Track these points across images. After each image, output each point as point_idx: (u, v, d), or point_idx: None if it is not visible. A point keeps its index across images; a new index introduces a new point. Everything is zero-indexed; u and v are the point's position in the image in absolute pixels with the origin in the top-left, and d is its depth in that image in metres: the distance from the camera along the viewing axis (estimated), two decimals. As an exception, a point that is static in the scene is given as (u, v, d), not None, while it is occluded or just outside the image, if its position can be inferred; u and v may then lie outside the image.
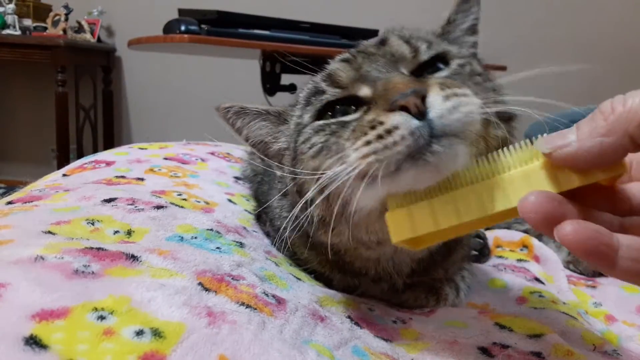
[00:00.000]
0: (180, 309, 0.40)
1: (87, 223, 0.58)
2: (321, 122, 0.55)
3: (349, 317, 0.57)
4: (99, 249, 0.49)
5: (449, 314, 0.63)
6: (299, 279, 0.63)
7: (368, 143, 0.46)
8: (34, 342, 0.34)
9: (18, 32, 3.16)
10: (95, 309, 0.38)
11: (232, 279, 0.51)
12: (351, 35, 2.38)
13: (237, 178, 1.00)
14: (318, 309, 0.55)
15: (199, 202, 0.76)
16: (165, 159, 0.98)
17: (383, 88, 0.50)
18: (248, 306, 0.45)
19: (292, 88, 2.29)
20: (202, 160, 1.04)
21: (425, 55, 0.57)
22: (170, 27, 1.94)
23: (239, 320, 0.42)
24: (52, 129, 3.10)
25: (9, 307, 0.37)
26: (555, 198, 0.37)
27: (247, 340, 0.40)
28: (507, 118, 0.56)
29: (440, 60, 0.58)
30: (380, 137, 0.46)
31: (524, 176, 0.40)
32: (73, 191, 0.72)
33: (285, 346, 0.42)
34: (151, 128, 3.64)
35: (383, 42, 0.60)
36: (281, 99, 2.16)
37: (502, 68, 2.60)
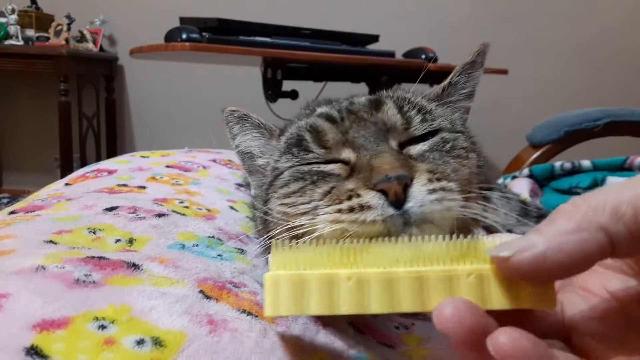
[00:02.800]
0: (181, 318, 0.40)
1: (89, 232, 0.58)
2: (302, 167, 0.56)
3: (351, 323, 0.56)
4: (100, 257, 0.49)
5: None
6: (301, 286, 0.63)
7: (339, 211, 0.47)
8: (34, 352, 0.34)
9: (21, 43, 3.18)
10: (96, 319, 0.38)
11: (234, 286, 0.51)
12: (352, 41, 2.39)
13: (239, 185, 1.00)
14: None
15: (200, 209, 0.76)
16: (167, 166, 0.98)
17: (368, 161, 0.50)
18: (249, 313, 0.45)
19: (293, 94, 2.30)
20: (204, 167, 1.04)
21: (418, 130, 0.57)
22: (171, 36, 1.96)
23: (240, 328, 0.42)
24: (55, 139, 3.11)
25: (10, 317, 0.37)
26: (476, 308, 0.31)
27: (249, 348, 0.40)
28: (487, 187, 0.57)
29: (431, 134, 0.58)
30: (352, 209, 0.46)
31: (448, 278, 0.34)
32: (75, 200, 0.72)
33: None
34: (154, 136, 3.65)
35: (377, 107, 0.59)
36: (282, 105, 2.17)
37: (504, 71, 2.61)
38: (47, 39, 3.28)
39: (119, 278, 0.45)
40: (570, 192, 1.20)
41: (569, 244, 0.30)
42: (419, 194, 0.46)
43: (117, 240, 0.57)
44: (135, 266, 0.48)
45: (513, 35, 3.26)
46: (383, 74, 2.39)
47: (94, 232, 0.58)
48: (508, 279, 0.33)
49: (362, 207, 0.46)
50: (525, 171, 1.30)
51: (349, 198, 0.47)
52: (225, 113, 0.68)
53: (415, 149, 0.55)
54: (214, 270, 0.53)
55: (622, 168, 1.23)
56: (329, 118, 0.59)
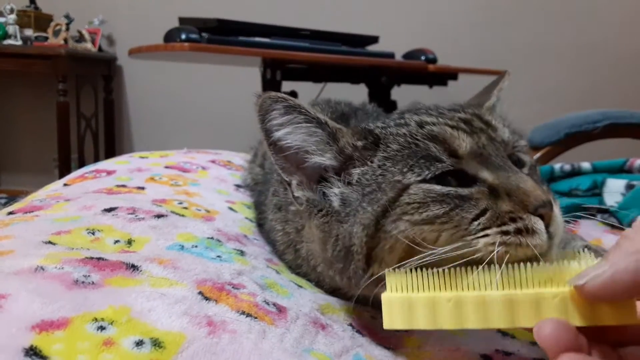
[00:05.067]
0: (180, 319, 0.40)
1: (88, 233, 0.58)
2: (439, 188, 0.52)
3: (350, 325, 0.56)
4: (99, 258, 0.49)
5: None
6: (301, 287, 0.63)
7: (506, 233, 0.47)
8: (34, 353, 0.34)
9: (19, 42, 3.17)
10: (95, 320, 0.38)
11: (233, 287, 0.51)
12: (351, 42, 2.39)
13: (238, 186, 1.00)
14: (319, 316, 0.55)
15: (199, 210, 0.76)
16: (166, 167, 0.98)
17: (517, 185, 0.50)
18: (248, 315, 0.45)
19: (292, 95, 2.29)
20: (203, 168, 1.04)
21: (517, 147, 0.58)
22: (170, 36, 1.95)
23: (239, 329, 0.42)
24: (54, 139, 3.11)
25: (9, 318, 0.37)
26: (572, 329, 0.37)
27: (248, 349, 0.40)
28: None
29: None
30: (519, 231, 0.47)
31: (536, 300, 0.39)
32: (73, 201, 0.72)
33: (285, 355, 0.41)
34: (153, 136, 3.65)
35: (490, 125, 0.58)
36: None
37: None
38: (46, 38, 3.27)
39: (118, 279, 0.45)
40: (570, 194, 1.20)
41: (632, 265, 0.34)
42: (559, 218, 0.50)
43: (116, 241, 0.57)
44: (134, 267, 0.48)
45: (513, 37, 3.26)
46: (382, 75, 2.39)
47: (93, 233, 0.58)
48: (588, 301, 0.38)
49: (528, 231, 0.47)
50: (525, 173, 1.29)
51: (513, 220, 0.48)
52: (263, 99, 0.55)
53: (525, 173, 0.55)
54: (213, 272, 0.53)
55: (622, 170, 1.23)
56: (461, 128, 0.56)
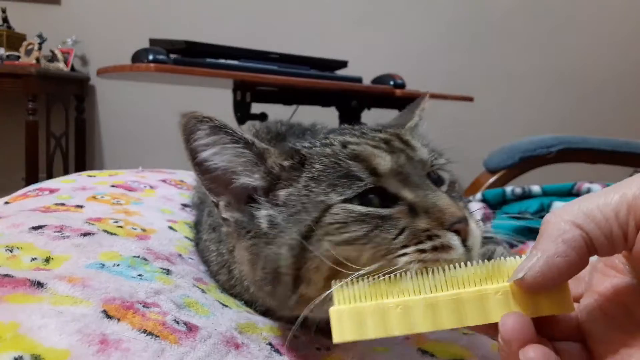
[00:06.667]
0: (70, 336, 0.40)
1: (6, 250, 0.58)
2: (360, 208, 0.52)
3: (269, 343, 0.56)
4: (5, 275, 0.49)
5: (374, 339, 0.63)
6: (225, 306, 0.63)
7: (422, 251, 0.48)
8: None
9: (-10, 61, 3.15)
10: (-21, 336, 0.37)
11: (143, 306, 0.50)
12: (320, 66, 2.42)
13: (184, 205, 0.99)
14: (236, 335, 0.55)
15: (135, 229, 0.76)
16: (112, 186, 0.98)
17: (434, 203, 0.51)
18: (150, 334, 0.45)
19: (262, 117, 2.31)
20: (151, 187, 1.03)
21: (435, 166, 0.59)
22: (138, 57, 1.95)
23: (133, 347, 0.41)
24: (22, 158, 3.06)
25: None
26: (531, 322, 0.38)
27: (137, 367, 0.39)
28: None
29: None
30: (436, 248, 0.48)
31: (480, 298, 0.40)
32: (5, 218, 0.71)
33: (179, 373, 0.41)
34: (124, 156, 3.62)
35: (409, 144, 0.59)
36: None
37: (469, 99, 2.66)
38: (18, 57, 3.25)
39: (17, 296, 0.45)
40: (520, 216, 1.22)
41: (561, 248, 0.36)
42: (476, 231, 0.51)
43: (33, 259, 0.57)
44: (39, 284, 0.48)
45: (479, 64, 3.34)
46: (352, 99, 2.42)
47: (11, 251, 0.58)
48: (528, 293, 0.39)
49: (444, 247, 0.48)
50: (478, 196, 1.32)
51: (430, 238, 0.49)
52: (188, 119, 0.55)
53: (444, 190, 0.57)
54: (127, 290, 0.52)
55: (570, 193, 1.26)
56: (381, 147, 0.57)
